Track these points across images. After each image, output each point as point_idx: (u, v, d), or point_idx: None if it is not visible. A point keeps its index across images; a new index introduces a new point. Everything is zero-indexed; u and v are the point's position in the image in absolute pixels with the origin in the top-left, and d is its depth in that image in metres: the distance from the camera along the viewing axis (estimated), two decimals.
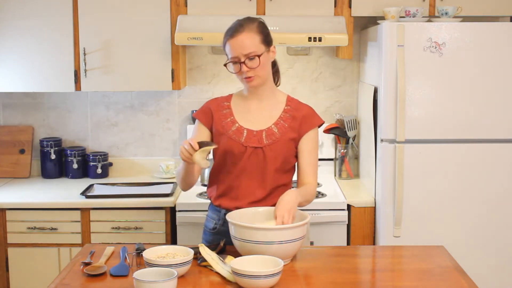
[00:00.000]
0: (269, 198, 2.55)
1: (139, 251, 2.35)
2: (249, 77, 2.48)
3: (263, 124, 2.56)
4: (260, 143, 2.53)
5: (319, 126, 2.63)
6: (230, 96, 2.67)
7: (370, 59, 3.59)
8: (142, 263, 2.27)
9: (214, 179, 2.64)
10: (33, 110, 4.01)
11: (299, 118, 2.58)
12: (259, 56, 2.46)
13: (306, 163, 2.58)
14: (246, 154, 2.52)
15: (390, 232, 3.28)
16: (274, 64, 2.64)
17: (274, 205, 2.50)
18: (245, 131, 2.55)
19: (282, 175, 2.57)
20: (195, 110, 3.76)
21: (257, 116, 2.58)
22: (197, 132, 2.63)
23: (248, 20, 2.52)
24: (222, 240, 2.40)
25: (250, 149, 2.52)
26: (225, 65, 2.52)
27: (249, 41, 2.46)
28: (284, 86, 3.94)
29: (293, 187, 2.59)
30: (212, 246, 2.40)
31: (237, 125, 2.56)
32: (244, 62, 2.46)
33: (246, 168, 2.54)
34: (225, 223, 2.56)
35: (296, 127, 2.57)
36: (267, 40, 2.52)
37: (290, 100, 2.63)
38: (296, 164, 2.63)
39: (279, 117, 2.57)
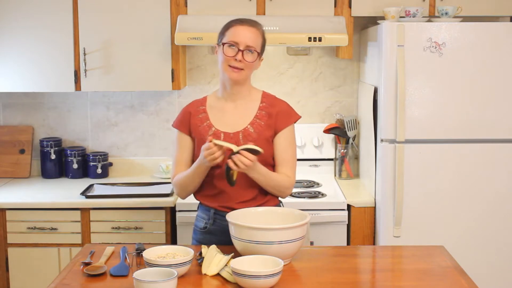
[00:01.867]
0: (258, 197, 2.56)
1: (139, 251, 2.35)
2: (237, 68, 2.49)
3: (239, 125, 2.56)
4: (237, 145, 2.51)
5: (295, 122, 2.63)
6: (205, 98, 2.68)
7: (370, 59, 3.59)
8: (142, 263, 2.27)
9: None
10: (33, 110, 4.01)
11: (275, 114, 2.58)
12: (258, 53, 2.51)
13: (281, 159, 2.58)
14: (225, 158, 2.50)
15: (390, 232, 3.28)
16: None
17: (262, 204, 2.54)
18: (222, 135, 2.55)
19: None
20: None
21: (233, 117, 2.58)
22: (179, 143, 2.63)
23: (259, 23, 2.57)
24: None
25: (229, 152, 2.50)
26: (222, 44, 2.52)
27: (255, 36, 2.51)
28: (284, 86, 3.98)
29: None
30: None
31: (213, 129, 2.56)
32: (242, 51, 2.47)
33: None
34: (215, 222, 2.57)
35: (272, 124, 2.57)
36: (263, 49, 2.58)
37: (265, 97, 2.63)
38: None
39: (254, 116, 2.58)
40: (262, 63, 2.62)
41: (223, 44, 2.51)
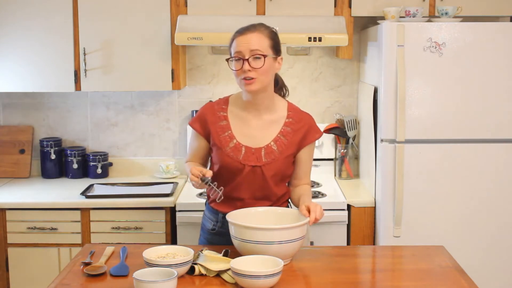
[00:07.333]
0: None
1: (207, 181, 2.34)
2: (249, 79, 2.39)
3: (262, 141, 2.50)
4: (258, 161, 2.48)
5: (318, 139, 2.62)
6: (226, 101, 2.58)
7: (370, 59, 3.59)
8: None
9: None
10: (33, 110, 4.01)
11: (301, 132, 2.53)
12: (264, 56, 2.39)
13: (303, 171, 2.60)
14: (244, 172, 2.48)
15: (390, 232, 3.28)
16: (277, 82, 2.58)
17: None
18: (243, 148, 2.49)
19: (280, 185, 2.56)
20: (195, 111, 3.77)
21: (256, 132, 2.51)
22: (195, 143, 2.60)
23: (262, 24, 2.46)
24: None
25: (248, 167, 2.48)
26: (227, 60, 2.45)
27: (258, 40, 2.40)
28: None
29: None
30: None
31: (235, 141, 2.49)
32: (247, 60, 2.38)
33: (244, 182, 2.50)
34: (223, 225, 2.56)
35: (296, 142, 2.52)
36: (276, 48, 2.46)
37: (291, 110, 2.56)
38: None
39: (279, 131, 2.51)
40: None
41: (229, 60, 2.43)
